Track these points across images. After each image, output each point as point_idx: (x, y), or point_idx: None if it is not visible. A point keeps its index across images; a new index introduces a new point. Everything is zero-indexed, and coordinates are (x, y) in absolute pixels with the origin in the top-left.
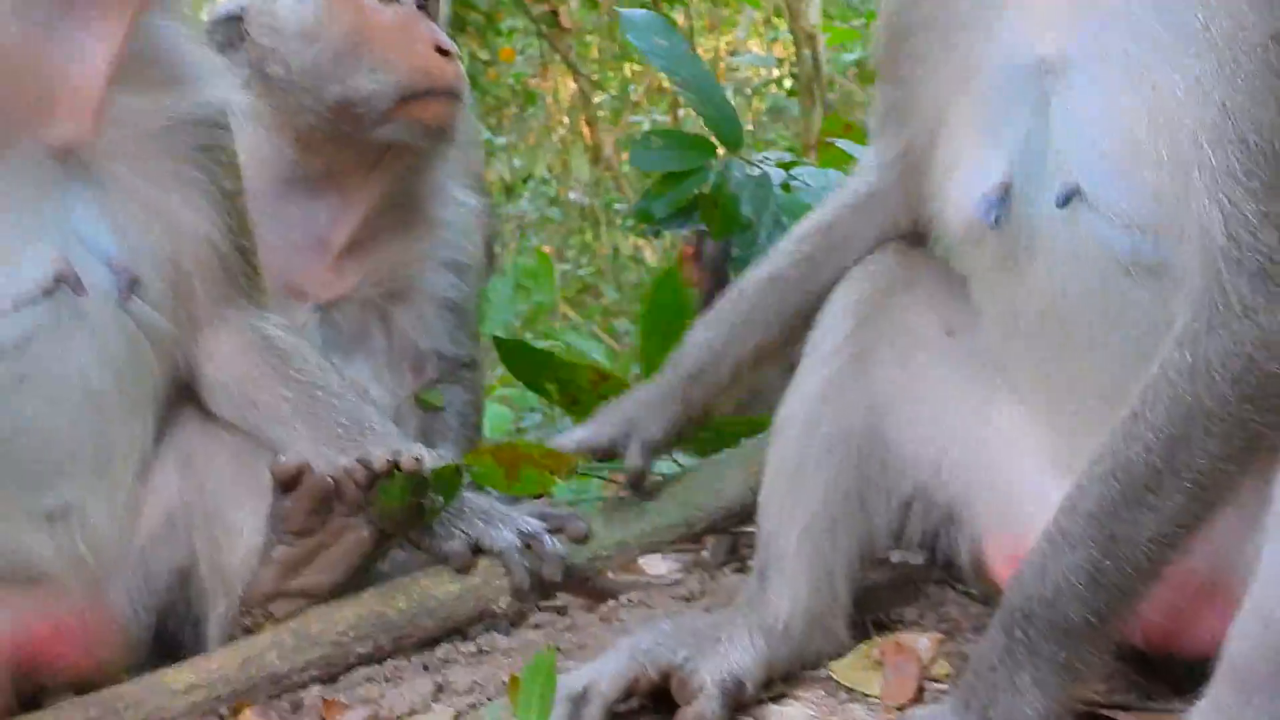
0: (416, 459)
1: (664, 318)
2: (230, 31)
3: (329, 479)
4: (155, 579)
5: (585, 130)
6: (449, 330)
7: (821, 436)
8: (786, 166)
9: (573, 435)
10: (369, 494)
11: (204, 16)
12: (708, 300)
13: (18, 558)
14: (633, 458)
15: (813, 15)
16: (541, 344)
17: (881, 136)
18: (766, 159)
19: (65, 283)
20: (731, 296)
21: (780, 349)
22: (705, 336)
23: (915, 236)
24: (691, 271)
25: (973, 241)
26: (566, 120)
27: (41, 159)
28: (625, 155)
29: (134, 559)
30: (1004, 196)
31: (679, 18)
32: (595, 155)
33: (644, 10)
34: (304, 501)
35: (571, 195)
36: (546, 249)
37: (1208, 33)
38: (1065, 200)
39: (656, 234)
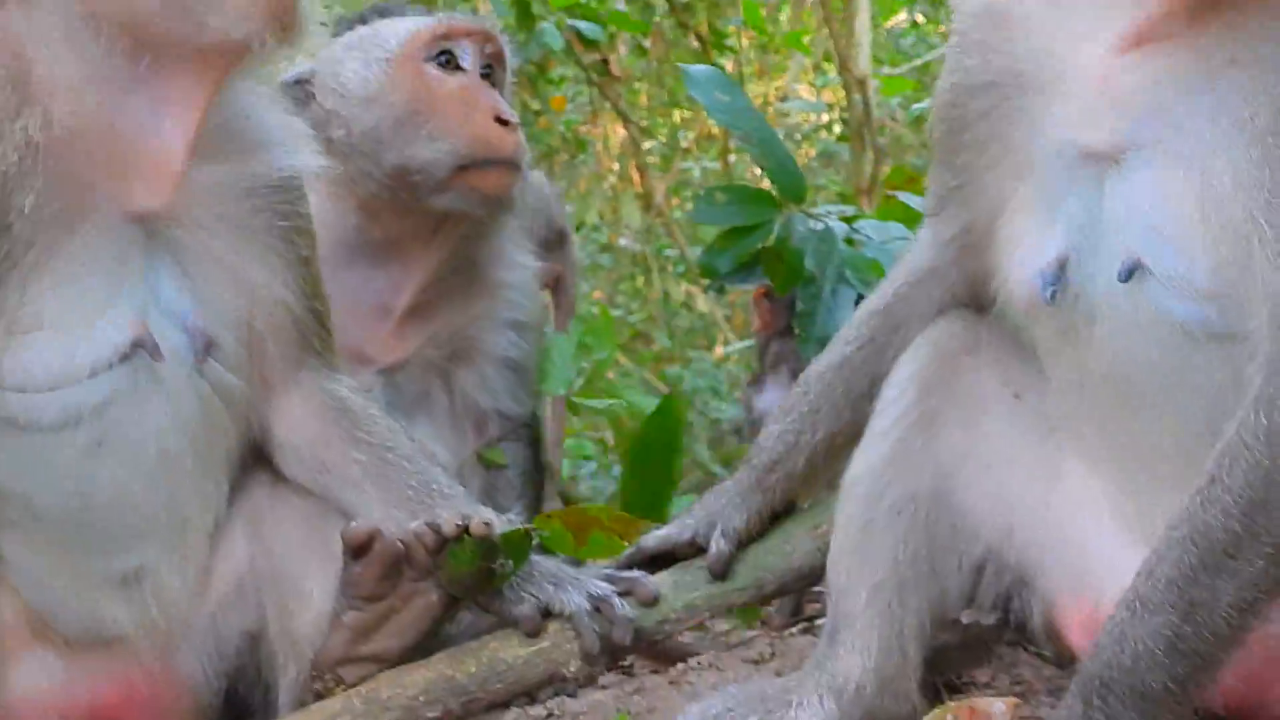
0: (486, 524)
1: (651, 455)
2: (298, 94)
3: (399, 544)
4: (225, 643)
5: (635, 177)
6: (510, 389)
7: (890, 498)
8: (849, 220)
9: (657, 534)
10: (438, 558)
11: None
12: (771, 340)
13: (92, 622)
14: (717, 544)
15: (862, 61)
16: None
17: (938, 216)
18: (830, 213)
19: (143, 348)
20: (800, 389)
21: (853, 434)
22: (777, 429)
23: (977, 306)
24: (765, 312)
25: (1033, 314)
26: (616, 167)
27: (121, 225)
28: (676, 201)
29: (205, 623)
30: (1059, 273)
31: (728, 64)
32: (646, 202)
33: (705, 66)
34: (374, 567)
35: (622, 242)
36: (598, 294)
37: (1253, 123)
38: (1128, 274)
39: (720, 290)
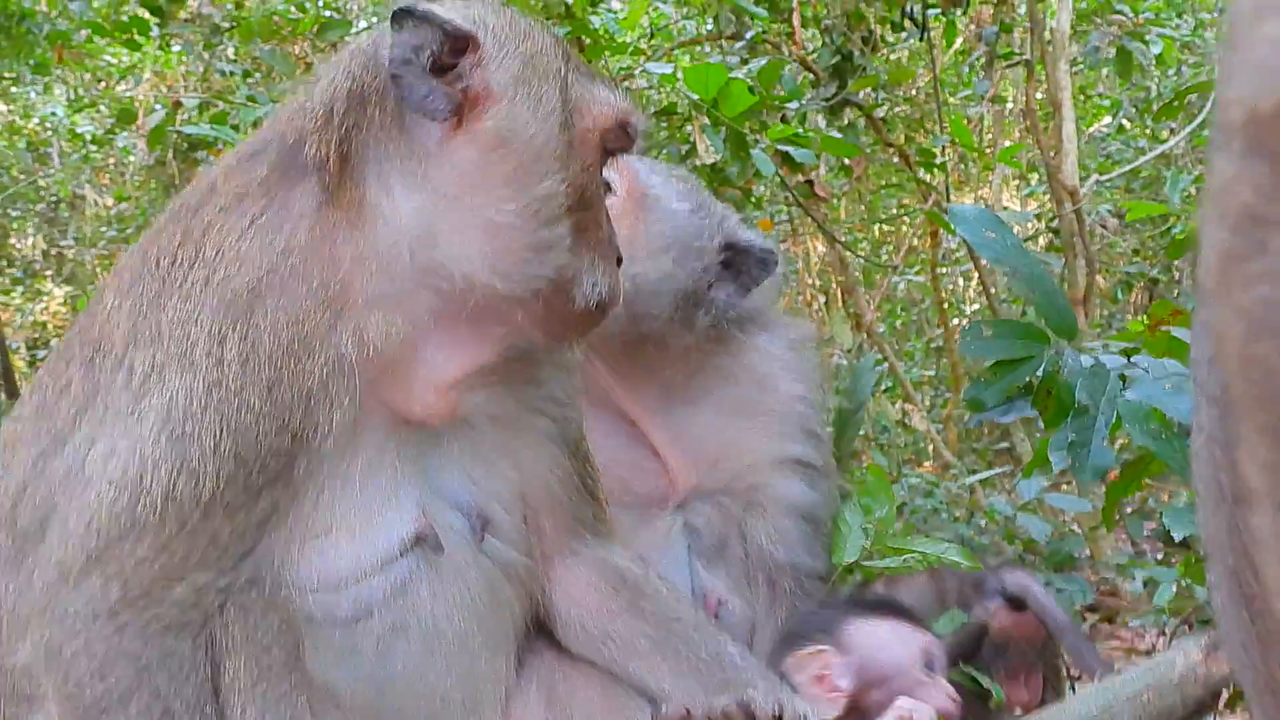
0: (802, 716)
1: None
2: None
3: None
4: None
5: (840, 295)
6: (805, 540)
7: None
8: (1127, 354)
9: None
10: None
11: None
12: None
13: None
14: None
15: (1069, 168)
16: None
17: None
18: (1108, 346)
19: (425, 541)
20: None
21: None
22: None
23: None
24: None
25: None
26: (817, 282)
27: (400, 430)
28: (881, 315)
29: None
30: None
31: (929, 178)
32: (857, 321)
33: (972, 205)
34: None
35: (831, 360)
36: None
37: None
38: None
39: (978, 424)
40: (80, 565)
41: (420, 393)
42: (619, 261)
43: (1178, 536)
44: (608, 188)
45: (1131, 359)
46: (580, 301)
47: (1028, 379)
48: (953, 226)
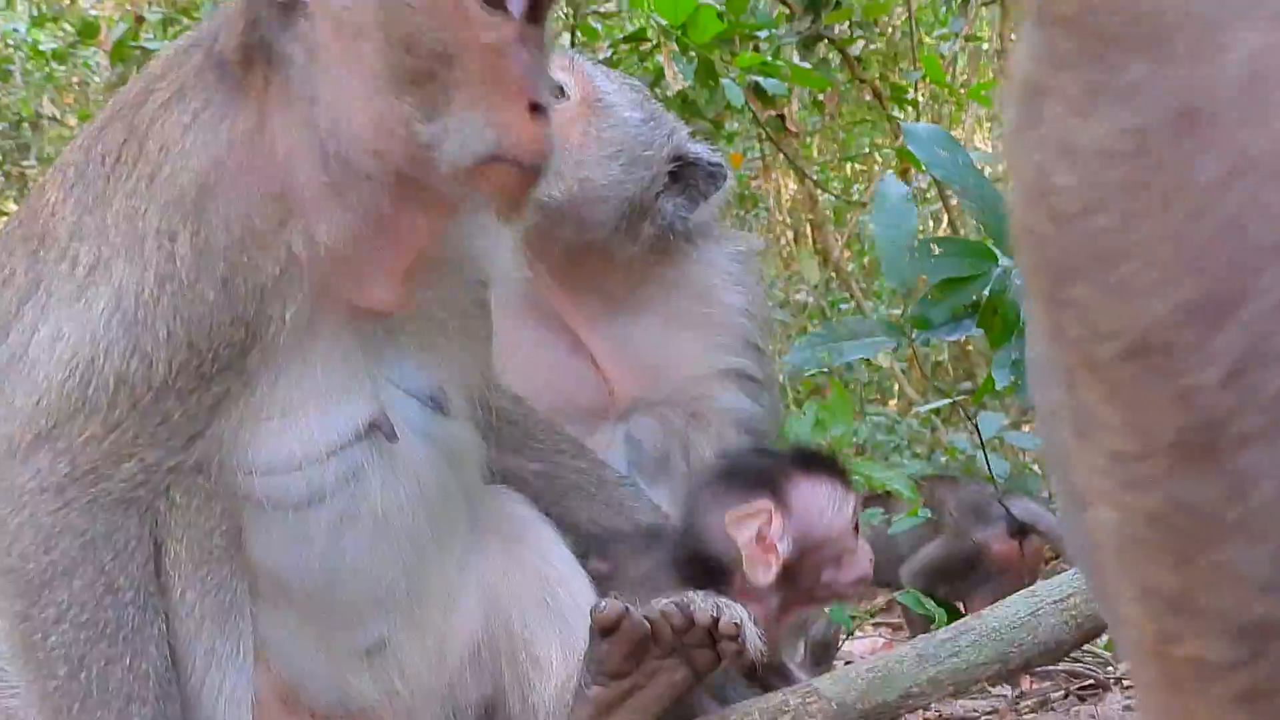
0: (736, 624)
1: None
2: None
3: (646, 623)
4: (463, 713)
5: (810, 232)
6: None
7: None
8: None
9: None
10: (685, 636)
11: None
12: None
13: (339, 694)
14: None
15: None
16: None
17: None
18: None
19: (379, 429)
20: None
21: None
22: None
23: None
24: None
25: None
26: (789, 220)
27: (356, 320)
28: (850, 254)
29: (444, 692)
30: None
31: (904, 117)
32: (824, 257)
33: (927, 124)
34: (621, 645)
35: (798, 296)
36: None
37: None
38: None
39: (926, 342)
40: (28, 442)
41: (373, 282)
42: (537, 108)
43: None
44: (560, 92)
45: None
46: (446, 164)
47: (974, 297)
48: (919, 159)
